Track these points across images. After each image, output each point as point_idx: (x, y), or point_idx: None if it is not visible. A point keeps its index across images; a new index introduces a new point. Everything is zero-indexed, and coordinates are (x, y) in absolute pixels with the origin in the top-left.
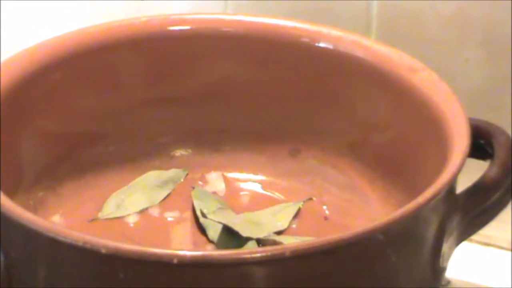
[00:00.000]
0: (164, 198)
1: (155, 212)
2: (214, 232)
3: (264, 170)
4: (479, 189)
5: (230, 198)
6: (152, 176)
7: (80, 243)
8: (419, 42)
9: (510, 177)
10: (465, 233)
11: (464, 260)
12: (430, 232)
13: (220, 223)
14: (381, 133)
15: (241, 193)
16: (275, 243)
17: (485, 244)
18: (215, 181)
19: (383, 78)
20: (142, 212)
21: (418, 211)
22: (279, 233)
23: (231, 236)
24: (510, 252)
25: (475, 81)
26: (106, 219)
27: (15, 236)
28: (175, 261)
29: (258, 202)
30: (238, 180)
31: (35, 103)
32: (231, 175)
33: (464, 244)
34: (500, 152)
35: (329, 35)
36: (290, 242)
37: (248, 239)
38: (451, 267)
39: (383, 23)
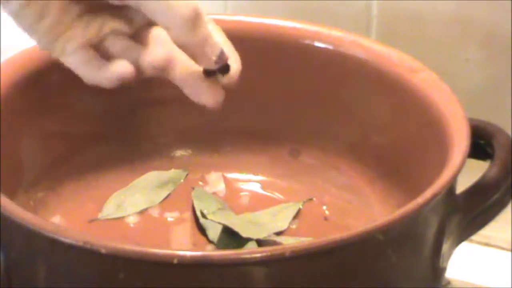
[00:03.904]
0: (164, 199)
1: (155, 212)
2: (214, 232)
3: (264, 170)
4: (479, 189)
5: (230, 199)
6: (152, 177)
7: (80, 243)
8: (419, 43)
9: (510, 178)
10: (465, 233)
11: (464, 260)
12: (430, 232)
13: (220, 223)
14: (381, 134)
15: (241, 193)
16: (275, 243)
17: (485, 244)
18: (215, 181)
19: (383, 78)
20: (142, 212)
21: (418, 212)
22: (279, 233)
23: (231, 237)
24: (510, 253)
25: (475, 82)
26: (106, 219)
27: (16, 236)
28: (175, 261)
29: (258, 203)
30: (238, 180)
31: (35, 103)
32: (231, 175)
33: (464, 244)
34: (500, 152)
35: (329, 35)
36: (290, 242)
37: (248, 239)
38: (451, 267)
39: (383, 24)
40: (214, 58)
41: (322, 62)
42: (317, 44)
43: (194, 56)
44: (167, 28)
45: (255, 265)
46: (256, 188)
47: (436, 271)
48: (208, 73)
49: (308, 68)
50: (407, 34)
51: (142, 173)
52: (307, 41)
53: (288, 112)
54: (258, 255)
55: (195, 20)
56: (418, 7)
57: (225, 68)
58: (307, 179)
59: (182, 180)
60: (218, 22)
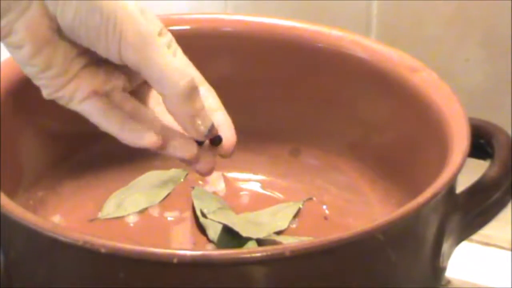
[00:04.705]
0: (164, 198)
1: (155, 212)
2: (214, 232)
3: (264, 170)
4: (479, 189)
5: (230, 198)
6: (152, 176)
7: (80, 243)
8: (419, 42)
9: (510, 177)
10: (465, 233)
11: (464, 260)
12: (430, 232)
13: (220, 223)
14: (381, 133)
15: (241, 193)
16: (275, 243)
17: (485, 244)
18: (215, 181)
19: (383, 78)
20: (142, 212)
21: (418, 211)
22: (279, 233)
23: (231, 236)
24: (510, 252)
25: (475, 81)
26: (106, 219)
27: (15, 236)
28: (175, 260)
29: (258, 202)
30: (238, 180)
31: (35, 103)
32: (231, 175)
33: (464, 244)
34: (500, 152)
35: (329, 35)
36: (290, 242)
37: (248, 239)
38: (451, 266)
39: (383, 23)
40: (204, 131)
41: (322, 61)
42: (317, 43)
43: (183, 126)
44: (162, 95)
45: (255, 265)
46: (256, 187)
47: (436, 271)
48: (199, 142)
49: (308, 67)
50: (407, 34)
51: (142, 173)
52: (307, 41)
53: (288, 112)
54: (258, 254)
55: (190, 92)
56: (418, 7)
57: (216, 140)
58: (307, 178)
59: (182, 180)
60: (218, 21)
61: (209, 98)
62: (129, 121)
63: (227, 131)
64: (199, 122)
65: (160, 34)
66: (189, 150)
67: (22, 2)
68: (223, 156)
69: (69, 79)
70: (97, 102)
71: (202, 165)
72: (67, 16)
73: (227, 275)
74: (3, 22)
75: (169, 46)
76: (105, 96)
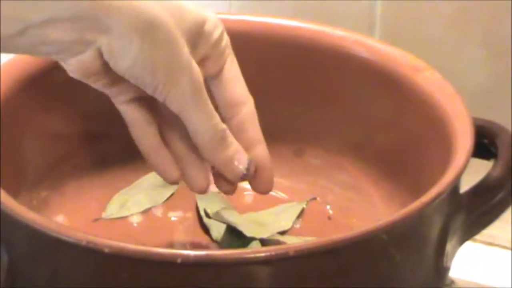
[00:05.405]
0: (168, 198)
1: (158, 212)
2: (217, 232)
3: None
4: (483, 189)
5: (234, 198)
6: (156, 176)
7: (84, 243)
8: (422, 42)
9: None
10: (469, 233)
11: (467, 260)
12: (434, 232)
13: (224, 223)
14: (385, 133)
15: (245, 193)
16: (278, 243)
17: (488, 243)
18: None
19: (387, 77)
20: (146, 212)
21: (422, 211)
22: (282, 233)
23: (234, 236)
24: None
25: (477, 81)
26: (110, 219)
27: (19, 236)
28: (179, 260)
29: (262, 202)
30: None
31: (37, 103)
32: None
33: (468, 244)
34: (504, 151)
35: (332, 34)
36: (293, 242)
37: (251, 239)
38: (455, 266)
39: (386, 23)
40: (241, 173)
41: (325, 61)
42: (320, 43)
43: (220, 170)
44: (197, 145)
45: (259, 265)
46: None
47: (439, 271)
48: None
49: (312, 67)
50: (410, 34)
51: (146, 173)
52: (310, 41)
53: (291, 112)
54: (262, 254)
55: (218, 143)
56: (421, 7)
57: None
58: (311, 178)
59: None
60: (222, 21)
61: (249, 129)
62: (163, 150)
63: (264, 168)
64: (236, 164)
65: (220, 39)
66: (201, 184)
67: (76, 48)
68: (260, 192)
69: (113, 84)
70: (137, 111)
71: (227, 186)
72: (119, 68)
73: (231, 275)
74: (54, 57)
75: (220, 56)
76: (147, 103)
